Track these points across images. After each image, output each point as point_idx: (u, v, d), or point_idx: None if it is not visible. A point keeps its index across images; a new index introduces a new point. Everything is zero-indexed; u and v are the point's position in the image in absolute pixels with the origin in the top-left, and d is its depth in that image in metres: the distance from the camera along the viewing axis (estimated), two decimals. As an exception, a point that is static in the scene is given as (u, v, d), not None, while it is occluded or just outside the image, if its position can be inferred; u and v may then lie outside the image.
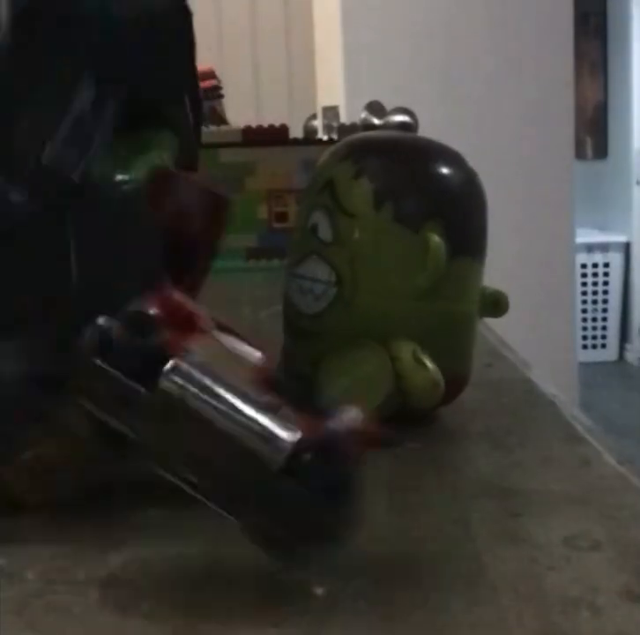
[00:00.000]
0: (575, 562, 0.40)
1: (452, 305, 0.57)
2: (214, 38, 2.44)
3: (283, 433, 0.38)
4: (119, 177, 0.46)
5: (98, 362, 0.39)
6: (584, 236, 3.25)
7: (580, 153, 3.00)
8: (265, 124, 1.29)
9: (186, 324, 0.41)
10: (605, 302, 3.79)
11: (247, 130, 1.26)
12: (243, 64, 2.43)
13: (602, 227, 3.77)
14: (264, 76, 2.49)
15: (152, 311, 0.40)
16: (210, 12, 2.47)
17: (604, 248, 3.71)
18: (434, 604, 0.38)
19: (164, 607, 0.40)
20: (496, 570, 0.40)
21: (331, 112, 1.67)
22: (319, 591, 0.40)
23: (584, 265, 3.64)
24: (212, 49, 2.30)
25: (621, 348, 3.92)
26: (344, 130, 1.34)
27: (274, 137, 1.28)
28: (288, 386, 0.42)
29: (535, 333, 1.12)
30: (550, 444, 0.55)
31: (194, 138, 0.53)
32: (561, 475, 0.50)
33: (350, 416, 0.38)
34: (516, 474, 0.50)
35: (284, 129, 1.32)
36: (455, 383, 0.58)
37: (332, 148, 0.59)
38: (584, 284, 3.70)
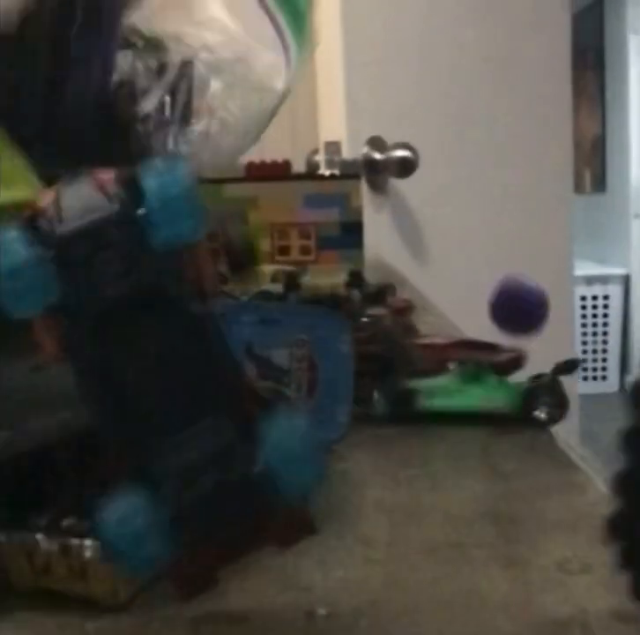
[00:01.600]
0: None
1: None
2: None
3: None
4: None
5: None
6: (584, 269, 3.27)
7: (579, 187, 3.03)
8: (268, 159, 1.32)
9: None
10: (605, 334, 3.80)
11: (250, 166, 1.29)
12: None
13: (601, 260, 3.79)
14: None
15: None
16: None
17: (603, 280, 3.73)
18: (429, 626, 0.40)
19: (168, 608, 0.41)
20: (491, 592, 0.42)
21: (332, 147, 1.70)
22: (321, 612, 0.42)
23: (583, 298, 3.65)
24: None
25: (622, 380, 3.92)
26: (346, 165, 1.36)
27: (277, 172, 1.30)
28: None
29: (535, 366, 1.15)
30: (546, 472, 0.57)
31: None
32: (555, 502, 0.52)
33: None
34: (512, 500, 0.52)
35: (286, 164, 1.34)
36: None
37: None
38: (584, 316, 3.71)
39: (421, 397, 0.67)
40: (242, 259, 0.86)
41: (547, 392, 0.67)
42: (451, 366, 0.72)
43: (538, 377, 0.71)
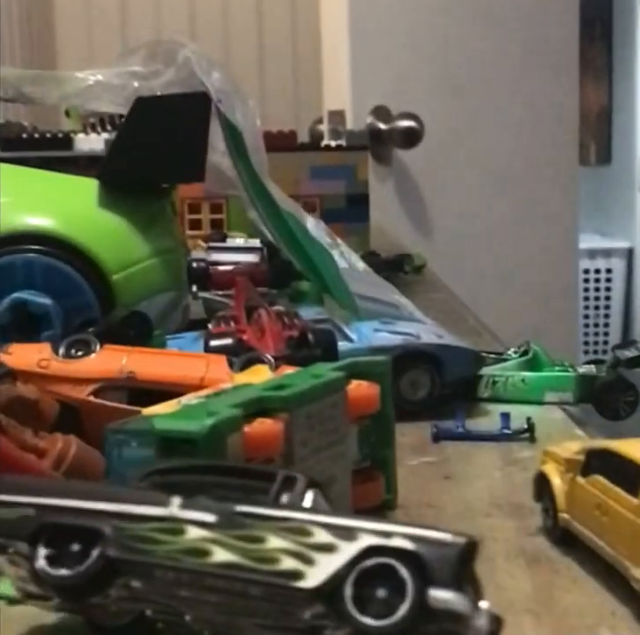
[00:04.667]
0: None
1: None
2: (220, 41, 2.44)
3: None
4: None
5: None
6: (587, 242, 3.24)
7: (583, 159, 3.00)
8: (272, 128, 1.29)
9: None
10: (607, 307, 3.78)
11: (255, 136, 1.26)
12: (249, 67, 2.42)
13: (605, 233, 3.76)
14: (271, 79, 2.48)
15: None
16: (216, 15, 2.47)
17: (606, 254, 3.70)
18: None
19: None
20: (512, 589, 0.41)
21: (337, 116, 1.67)
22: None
23: (586, 271, 3.63)
24: (217, 53, 2.30)
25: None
26: (352, 136, 1.34)
27: (282, 142, 1.28)
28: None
29: (538, 339, 1.14)
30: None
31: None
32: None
33: None
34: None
35: (292, 134, 1.31)
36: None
37: None
38: (586, 290, 3.69)
39: (481, 386, 0.65)
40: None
41: (620, 385, 0.64)
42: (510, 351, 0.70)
43: (597, 363, 0.68)
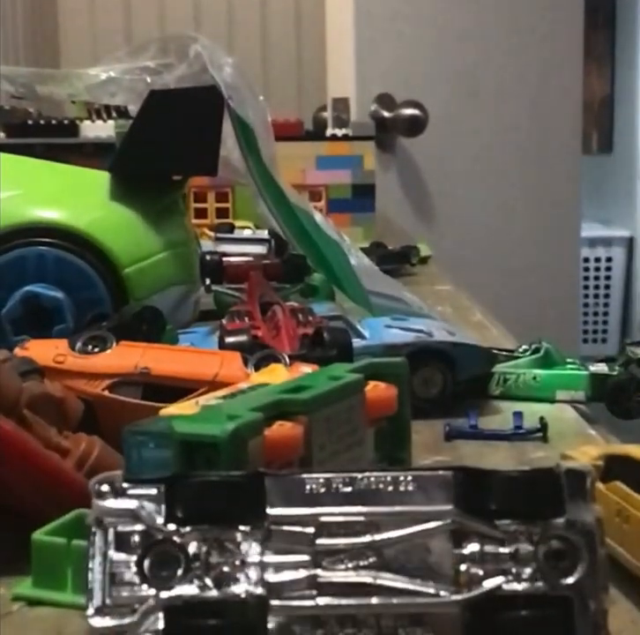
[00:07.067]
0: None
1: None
2: (223, 28, 2.43)
3: None
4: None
5: None
6: (588, 231, 3.23)
7: (585, 148, 2.99)
8: (274, 115, 1.28)
9: None
10: (606, 296, 3.78)
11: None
12: (253, 53, 2.41)
13: (605, 222, 3.75)
14: (274, 66, 2.47)
15: None
16: (220, 2, 2.45)
17: (607, 243, 3.69)
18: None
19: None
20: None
21: (341, 104, 1.66)
22: None
23: (586, 260, 3.62)
24: (221, 40, 2.29)
25: (622, 343, 3.90)
26: (357, 127, 1.33)
27: (289, 132, 1.27)
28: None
29: (538, 327, 1.14)
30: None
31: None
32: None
33: None
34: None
35: (298, 124, 1.31)
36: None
37: None
38: (586, 278, 3.68)
39: (493, 384, 0.65)
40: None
41: (632, 384, 0.64)
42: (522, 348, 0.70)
43: (608, 361, 0.67)
